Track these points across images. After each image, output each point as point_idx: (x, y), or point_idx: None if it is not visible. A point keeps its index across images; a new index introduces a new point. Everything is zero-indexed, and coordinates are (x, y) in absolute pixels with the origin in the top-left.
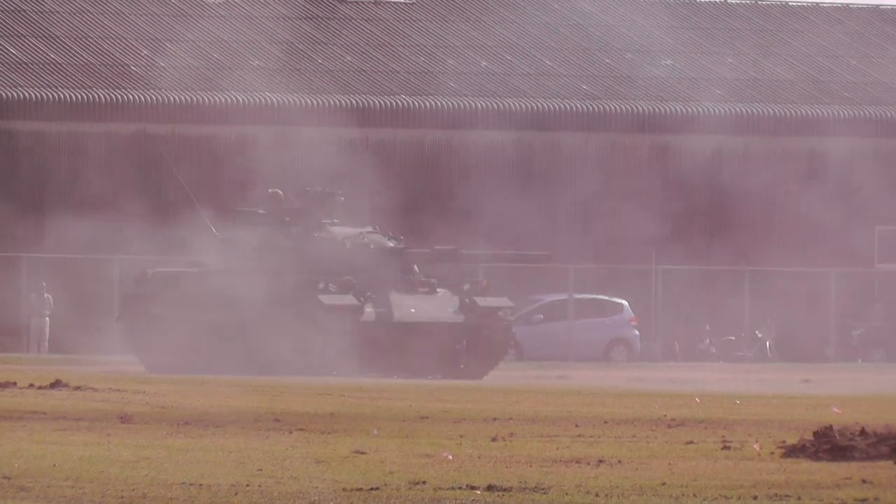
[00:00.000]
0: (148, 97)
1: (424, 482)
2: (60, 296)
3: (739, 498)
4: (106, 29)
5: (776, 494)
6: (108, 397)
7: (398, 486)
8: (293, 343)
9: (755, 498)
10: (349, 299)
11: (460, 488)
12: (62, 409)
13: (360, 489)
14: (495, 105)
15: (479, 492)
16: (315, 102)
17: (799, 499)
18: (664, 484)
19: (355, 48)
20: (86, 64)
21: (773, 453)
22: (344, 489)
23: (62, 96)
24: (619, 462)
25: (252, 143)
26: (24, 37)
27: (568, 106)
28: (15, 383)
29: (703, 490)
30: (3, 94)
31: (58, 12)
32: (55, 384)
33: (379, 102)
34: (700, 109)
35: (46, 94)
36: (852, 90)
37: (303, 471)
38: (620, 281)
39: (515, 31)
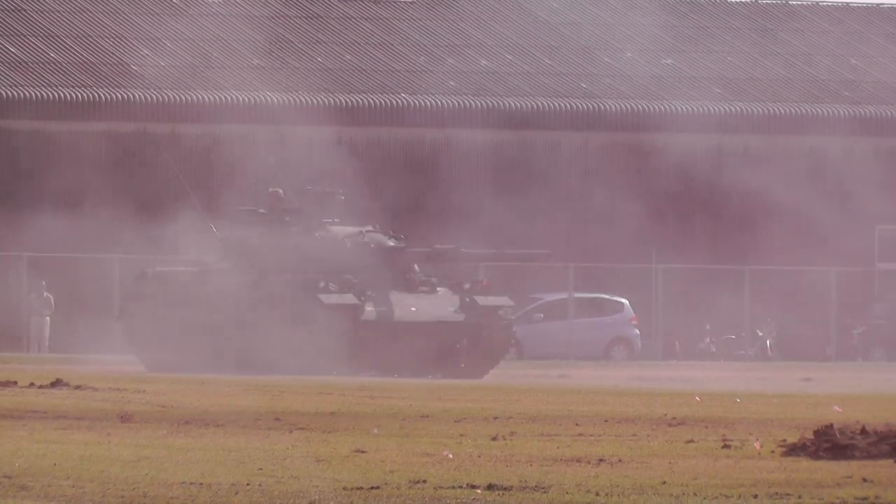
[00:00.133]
0: (141, 96)
1: (425, 481)
2: (60, 295)
3: (740, 497)
4: (102, 27)
5: (777, 493)
6: (109, 396)
7: (399, 485)
8: (293, 342)
9: (756, 497)
10: (349, 298)
11: (461, 487)
12: (63, 408)
13: (361, 488)
14: (495, 104)
15: (479, 491)
16: (311, 101)
17: (799, 497)
18: (665, 483)
19: (354, 46)
20: (75, 62)
21: (773, 452)
22: (344, 488)
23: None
24: (620, 461)
25: (244, 142)
26: (24, 35)
27: (568, 105)
28: (15, 382)
29: (703, 489)
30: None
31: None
32: (56, 383)
33: (376, 101)
34: (700, 108)
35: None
36: (852, 89)
37: (303, 470)
38: (621, 280)
39: (514, 30)
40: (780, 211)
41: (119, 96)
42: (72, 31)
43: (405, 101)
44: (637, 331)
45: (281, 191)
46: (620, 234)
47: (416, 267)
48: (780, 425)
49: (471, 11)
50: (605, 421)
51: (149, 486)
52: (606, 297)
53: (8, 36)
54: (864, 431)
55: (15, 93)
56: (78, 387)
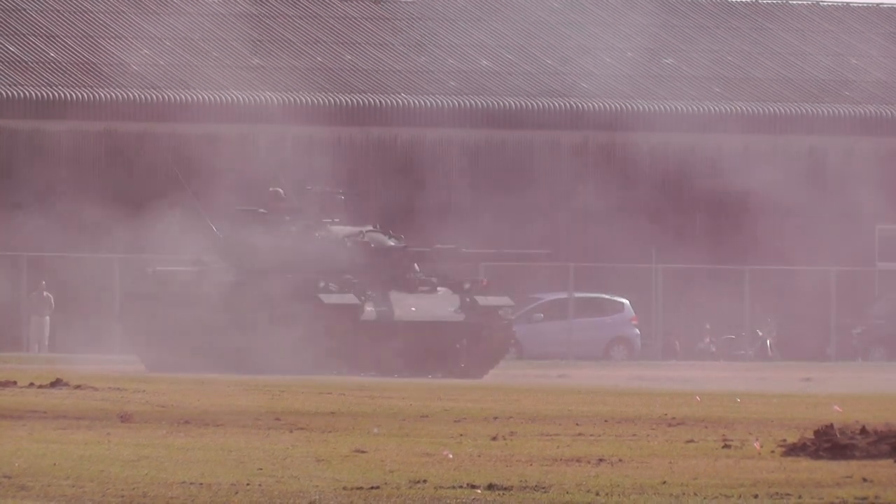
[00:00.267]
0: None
1: (425, 481)
2: (60, 295)
3: (740, 496)
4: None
5: (777, 493)
6: (109, 396)
7: (398, 485)
8: (293, 342)
9: (756, 496)
10: (350, 298)
11: (461, 487)
12: (62, 408)
13: (361, 488)
14: (494, 104)
15: (479, 490)
16: (309, 101)
17: (799, 497)
18: (665, 482)
19: (355, 46)
20: (76, 61)
21: (773, 452)
22: (344, 488)
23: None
24: (620, 461)
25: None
26: (23, 35)
27: (567, 105)
28: (15, 382)
29: (703, 489)
30: None
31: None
32: (55, 383)
33: (377, 101)
34: (700, 108)
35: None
36: (852, 89)
37: (303, 470)
38: (621, 280)
39: (514, 30)
40: (779, 211)
41: (119, 96)
42: (72, 31)
43: (404, 101)
44: (637, 331)
45: (281, 190)
46: (620, 233)
47: (416, 267)
48: (780, 425)
49: (471, 11)
50: (605, 421)
51: (149, 485)
52: (606, 296)
53: (8, 35)
54: (863, 431)
55: (15, 92)
56: (78, 387)
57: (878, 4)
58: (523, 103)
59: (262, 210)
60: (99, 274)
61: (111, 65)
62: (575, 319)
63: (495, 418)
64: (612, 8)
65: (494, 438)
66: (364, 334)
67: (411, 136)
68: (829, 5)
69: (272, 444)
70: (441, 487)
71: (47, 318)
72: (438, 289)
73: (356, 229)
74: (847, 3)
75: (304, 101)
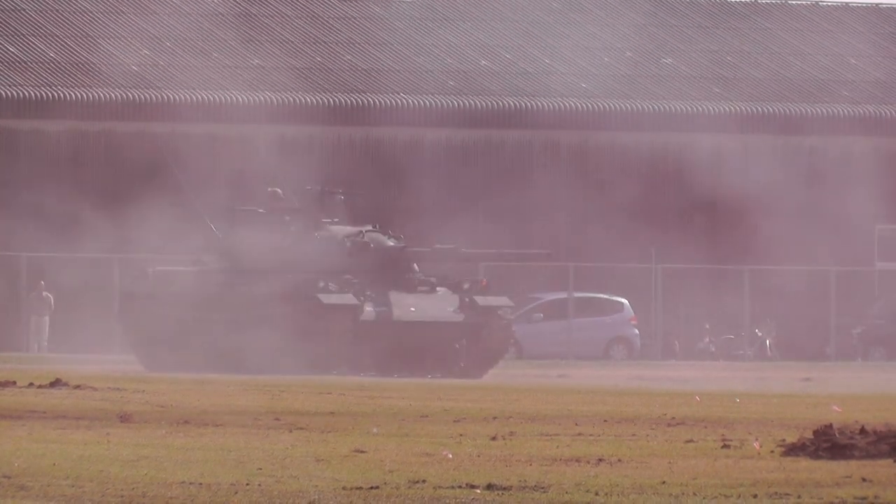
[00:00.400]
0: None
1: (424, 481)
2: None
3: (739, 496)
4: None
5: (776, 493)
6: (108, 396)
7: (398, 485)
8: (292, 342)
9: (755, 496)
10: (349, 298)
11: (460, 487)
12: (62, 407)
13: (360, 488)
14: (495, 104)
15: (478, 490)
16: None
17: (799, 497)
18: (664, 482)
19: (354, 45)
20: (76, 61)
21: (772, 452)
22: (344, 488)
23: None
24: (619, 461)
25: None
26: (23, 35)
27: (567, 105)
28: (15, 382)
29: (702, 489)
30: None
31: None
32: (55, 383)
33: (377, 101)
34: (700, 108)
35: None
36: (852, 89)
37: (303, 469)
38: (620, 280)
39: (514, 29)
40: (779, 210)
41: (119, 96)
42: (72, 32)
43: (404, 101)
44: (636, 330)
45: (279, 190)
46: (619, 234)
47: (415, 267)
48: (780, 425)
49: (471, 12)
50: (605, 421)
51: (148, 485)
52: (606, 296)
53: (7, 36)
54: (863, 431)
55: (14, 92)
56: (77, 387)
57: (877, 4)
58: (522, 103)
59: (261, 210)
60: (98, 274)
61: (109, 64)
62: (574, 319)
63: (495, 418)
64: (612, 8)
65: (494, 438)
66: (363, 334)
67: (411, 135)
68: (827, 5)
69: (272, 444)
70: (440, 487)
71: (47, 318)
72: (438, 289)
73: (355, 229)
74: (846, 3)
75: (301, 100)
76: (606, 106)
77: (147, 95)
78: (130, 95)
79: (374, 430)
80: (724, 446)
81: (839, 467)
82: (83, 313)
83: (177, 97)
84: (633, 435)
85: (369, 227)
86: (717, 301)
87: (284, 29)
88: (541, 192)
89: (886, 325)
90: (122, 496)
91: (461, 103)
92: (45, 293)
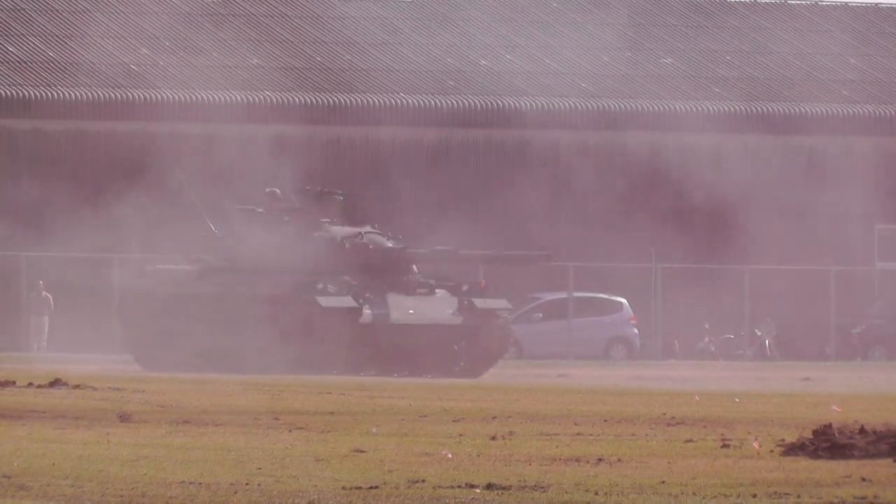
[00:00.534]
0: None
1: (424, 480)
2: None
3: (739, 496)
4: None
5: (775, 493)
6: (108, 396)
7: (397, 485)
8: (290, 344)
9: (754, 496)
10: (348, 301)
11: (460, 487)
12: (61, 407)
13: (360, 488)
14: (495, 104)
15: (478, 490)
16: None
17: (798, 497)
18: (663, 482)
19: (355, 46)
20: (76, 61)
21: (772, 451)
22: (343, 488)
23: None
24: (619, 460)
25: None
26: (23, 35)
27: (568, 105)
28: (14, 382)
29: (702, 488)
30: None
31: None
32: (54, 383)
33: (379, 101)
34: (700, 107)
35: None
36: (852, 88)
37: (302, 469)
38: (620, 279)
39: (515, 30)
40: (779, 210)
41: (119, 96)
42: (72, 31)
43: (404, 101)
44: (636, 330)
45: (278, 190)
46: (619, 233)
47: (414, 268)
48: (779, 425)
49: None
50: (605, 420)
51: (148, 485)
52: (605, 296)
53: (7, 36)
54: (862, 431)
55: (15, 92)
56: (77, 386)
57: (876, 4)
58: (523, 103)
59: (260, 210)
60: (98, 273)
61: (110, 65)
62: (574, 319)
63: (494, 418)
64: (612, 8)
65: (493, 438)
66: (361, 337)
67: (411, 135)
68: (827, 5)
69: (271, 443)
70: (440, 487)
71: (46, 317)
72: (437, 291)
73: (355, 230)
74: (846, 3)
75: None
76: (606, 106)
77: (148, 95)
78: (130, 95)
79: (374, 429)
80: (724, 446)
81: (839, 467)
82: (83, 313)
83: (176, 97)
84: (633, 435)
85: (368, 228)
86: (717, 301)
87: (283, 28)
88: (541, 192)
89: (886, 324)
90: (121, 496)
91: (458, 103)
92: (44, 293)
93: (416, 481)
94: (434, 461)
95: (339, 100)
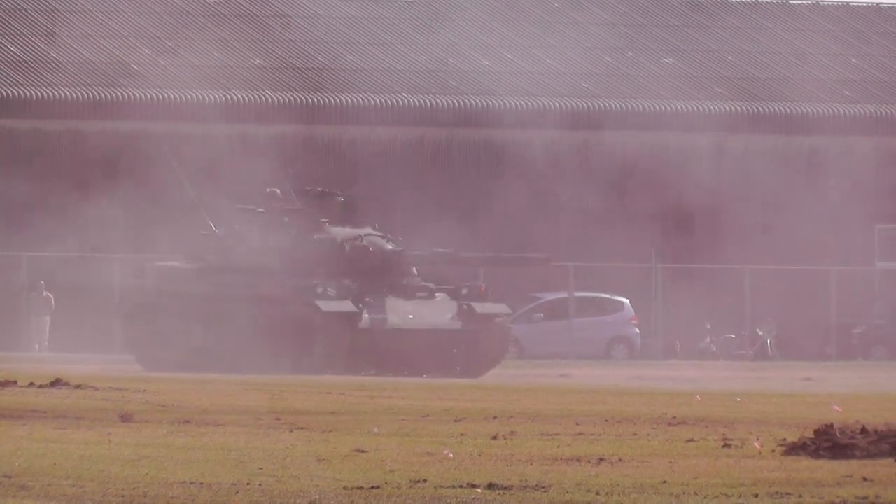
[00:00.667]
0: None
1: (425, 480)
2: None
3: (740, 496)
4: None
5: (777, 492)
6: (109, 396)
7: (399, 485)
8: (289, 347)
9: (756, 496)
10: (347, 305)
11: (461, 487)
12: (62, 407)
13: (361, 488)
14: (495, 103)
15: (479, 490)
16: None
17: (800, 497)
18: (665, 482)
19: (356, 46)
20: (76, 61)
21: (773, 451)
22: (345, 488)
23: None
24: (620, 460)
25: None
26: (25, 35)
27: (569, 105)
28: (15, 382)
29: (703, 488)
30: None
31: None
32: (55, 383)
33: (381, 101)
34: (701, 107)
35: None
36: (852, 88)
37: (304, 469)
38: (621, 279)
39: (515, 30)
40: (780, 210)
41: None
42: (73, 31)
43: (405, 101)
44: (637, 330)
45: (278, 190)
46: (620, 233)
47: (414, 271)
48: (781, 425)
49: (472, 11)
50: (606, 420)
51: (149, 485)
52: (606, 296)
53: (8, 35)
54: (864, 431)
55: (15, 92)
56: (78, 386)
57: (877, 4)
58: (525, 103)
59: (260, 209)
60: (100, 274)
61: (111, 64)
62: (575, 319)
63: (495, 418)
64: (613, 8)
65: (495, 438)
66: (360, 341)
67: (412, 135)
68: (829, 5)
69: (272, 443)
70: (441, 487)
71: (47, 317)
72: (436, 295)
73: (355, 232)
74: (847, 3)
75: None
76: (609, 106)
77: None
78: (132, 95)
79: (375, 429)
80: (725, 446)
81: (840, 467)
82: (84, 313)
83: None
84: (634, 434)
85: (369, 230)
86: (718, 300)
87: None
88: (541, 192)
89: (887, 324)
90: (123, 496)
91: (459, 103)
92: (45, 293)
93: (418, 481)
94: (435, 461)
95: (336, 100)
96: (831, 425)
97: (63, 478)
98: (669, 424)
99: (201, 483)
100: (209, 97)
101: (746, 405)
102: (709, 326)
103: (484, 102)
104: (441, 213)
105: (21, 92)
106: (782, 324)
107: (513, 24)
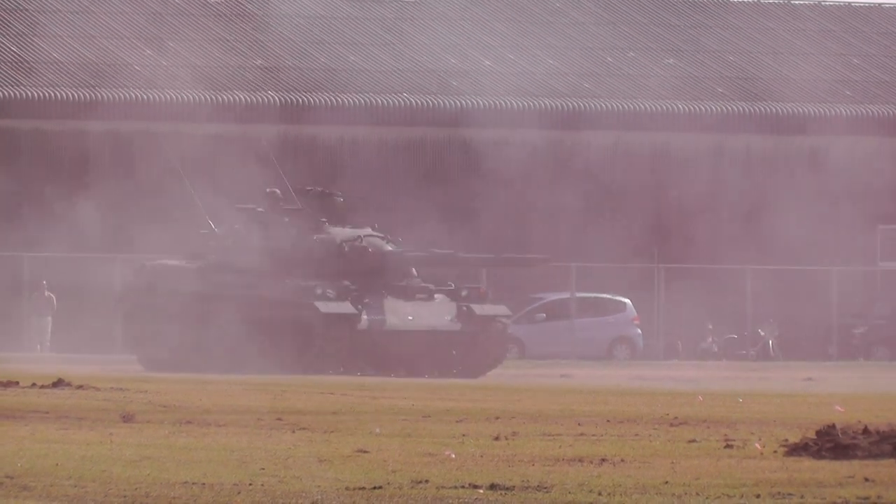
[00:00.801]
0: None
1: (427, 481)
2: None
3: (742, 496)
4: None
5: (779, 493)
6: (111, 396)
7: (401, 485)
8: (289, 347)
9: (758, 496)
10: (346, 307)
11: (463, 487)
12: (64, 408)
13: (363, 488)
14: (496, 104)
15: (481, 491)
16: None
17: (801, 497)
18: (667, 483)
19: (358, 47)
20: (77, 61)
21: (775, 452)
22: (347, 488)
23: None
24: (622, 461)
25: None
26: (26, 35)
27: (570, 105)
28: (17, 382)
29: (705, 489)
30: None
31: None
32: (57, 383)
33: (383, 101)
34: (702, 108)
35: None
36: (854, 88)
37: (305, 470)
38: (623, 279)
39: (516, 31)
40: (781, 210)
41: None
42: (74, 31)
43: (407, 101)
44: (639, 330)
45: (278, 191)
46: (622, 233)
47: (413, 271)
48: (782, 425)
49: (474, 11)
50: (608, 421)
51: (151, 485)
52: (608, 296)
53: (10, 35)
54: (866, 431)
55: (16, 92)
56: (80, 387)
57: (879, 4)
58: (525, 104)
59: (260, 209)
60: (101, 274)
61: (111, 64)
62: (577, 319)
63: (497, 418)
64: (613, 8)
65: (496, 438)
66: (359, 342)
67: (411, 135)
68: (830, 5)
69: (274, 444)
70: (443, 487)
71: (49, 318)
72: (435, 296)
73: (354, 233)
74: (848, 3)
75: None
76: (610, 106)
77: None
78: (131, 95)
79: (377, 430)
80: (727, 446)
81: (842, 467)
82: (85, 313)
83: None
84: (636, 435)
85: (368, 231)
86: (720, 301)
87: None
88: (542, 193)
89: (889, 324)
90: (124, 496)
91: (463, 103)
92: (47, 293)
93: (420, 482)
94: (437, 461)
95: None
96: (833, 426)
97: (65, 478)
98: (671, 425)
99: (203, 483)
100: (210, 97)
101: (748, 405)
102: (710, 327)
103: (484, 102)
104: (440, 213)
105: (23, 92)
106: (784, 324)
107: (513, 24)
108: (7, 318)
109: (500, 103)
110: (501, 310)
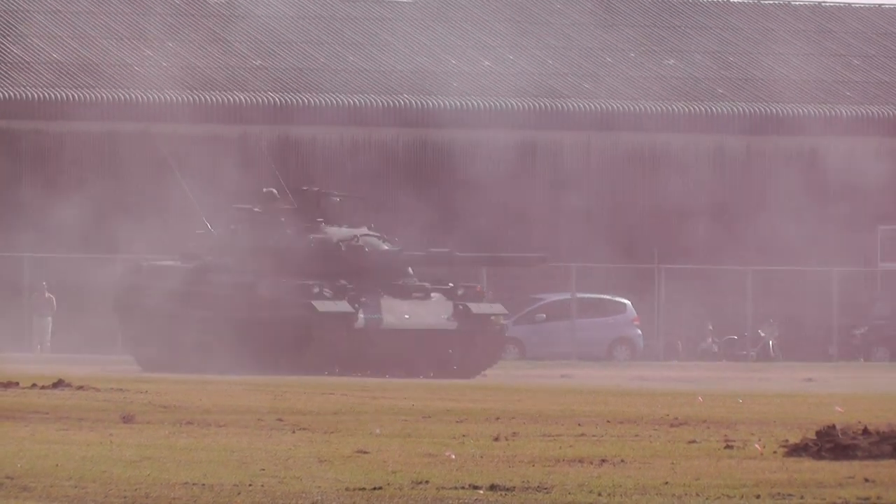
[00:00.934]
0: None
1: (427, 482)
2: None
3: (742, 497)
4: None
5: (779, 493)
6: (111, 397)
7: (401, 486)
8: (286, 347)
9: (758, 497)
10: (343, 306)
11: (463, 488)
12: (64, 408)
13: (363, 489)
14: (497, 104)
15: (481, 491)
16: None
17: (802, 498)
18: (667, 483)
19: (359, 47)
20: (77, 62)
21: (775, 452)
22: (347, 489)
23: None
24: (622, 461)
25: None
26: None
27: (571, 106)
28: (17, 383)
29: (705, 489)
30: None
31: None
32: (57, 384)
33: (383, 102)
34: (702, 108)
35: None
36: (854, 89)
37: (306, 470)
38: (623, 280)
39: (517, 31)
40: (781, 211)
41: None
42: (73, 31)
43: (407, 102)
44: (639, 331)
45: (275, 191)
46: (621, 234)
47: (410, 271)
48: (782, 425)
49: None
50: (608, 421)
51: (151, 486)
52: (608, 297)
53: (10, 36)
54: (866, 432)
55: (16, 93)
56: (80, 387)
57: (879, 5)
58: (528, 104)
59: (257, 209)
60: (101, 274)
61: (110, 64)
62: (577, 320)
63: (497, 419)
64: (614, 9)
65: (497, 439)
66: (356, 341)
67: (413, 136)
68: (831, 6)
69: (275, 444)
70: (443, 488)
71: (49, 318)
72: (432, 295)
73: (351, 232)
74: (848, 4)
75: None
76: (611, 107)
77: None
78: (129, 96)
79: (377, 430)
80: (727, 447)
81: (842, 468)
82: (85, 314)
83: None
84: (636, 435)
85: (365, 230)
86: (720, 301)
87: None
88: (543, 193)
89: (889, 325)
90: (125, 497)
91: (463, 104)
92: (47, 294)
93: (420, 482)
94: (437, 462)
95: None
96: (833, 426)
97: (65, 479)
98: (671, 425)
99: (203, 484)
100: (211, 97)
101: (748, 406)
102: (711, 327)
103: (483, 103)
104: (439, 214)
105: (22, 93)
106: (784, 324)
107: (513, 23)
108: (7, 319)
109: (500, 104)
110: (498, 308)
